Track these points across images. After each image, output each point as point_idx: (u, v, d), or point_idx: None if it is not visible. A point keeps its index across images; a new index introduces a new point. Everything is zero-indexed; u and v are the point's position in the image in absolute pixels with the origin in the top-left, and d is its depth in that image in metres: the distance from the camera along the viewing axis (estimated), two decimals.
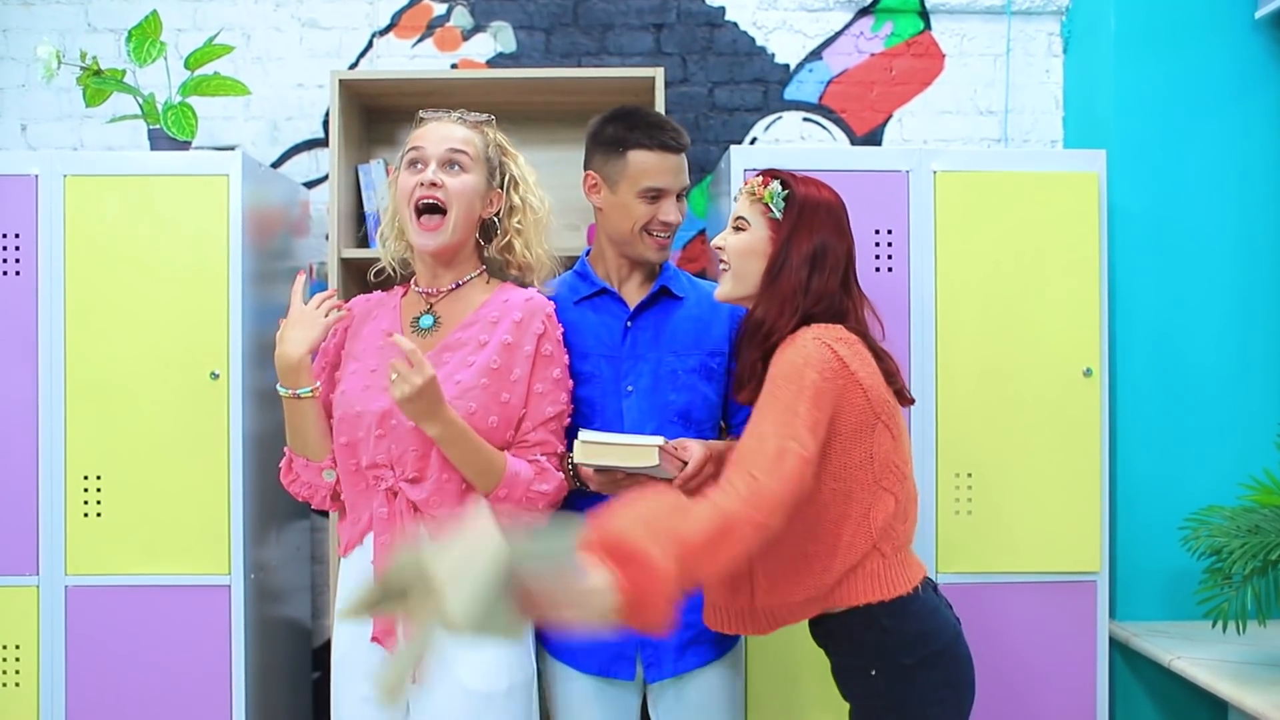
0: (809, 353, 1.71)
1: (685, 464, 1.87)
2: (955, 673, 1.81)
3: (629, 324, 2.07)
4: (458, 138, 1.93)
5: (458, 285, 1.98)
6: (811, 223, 1.82)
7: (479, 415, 1.85)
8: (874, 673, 1.76)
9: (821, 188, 1.88)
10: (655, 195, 2.04)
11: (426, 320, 1.96)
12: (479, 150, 1.95)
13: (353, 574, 1.93)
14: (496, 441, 1.88)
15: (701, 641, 2.02)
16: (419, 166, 1.91)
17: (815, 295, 1.79)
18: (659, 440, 1.81)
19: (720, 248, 1.89)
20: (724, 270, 1.89)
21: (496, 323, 1.92)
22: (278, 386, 1.91)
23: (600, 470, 1.87)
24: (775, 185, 1.85)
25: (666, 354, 2.05)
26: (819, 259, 1.81)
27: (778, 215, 1.83)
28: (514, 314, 1.93)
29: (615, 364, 2.05)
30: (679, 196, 2.08)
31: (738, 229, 1.87)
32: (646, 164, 2.03)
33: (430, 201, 1.90)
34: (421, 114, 2.00)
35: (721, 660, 2.06)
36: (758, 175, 1.89)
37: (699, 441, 1.92)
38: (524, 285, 2.02)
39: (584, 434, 1.83)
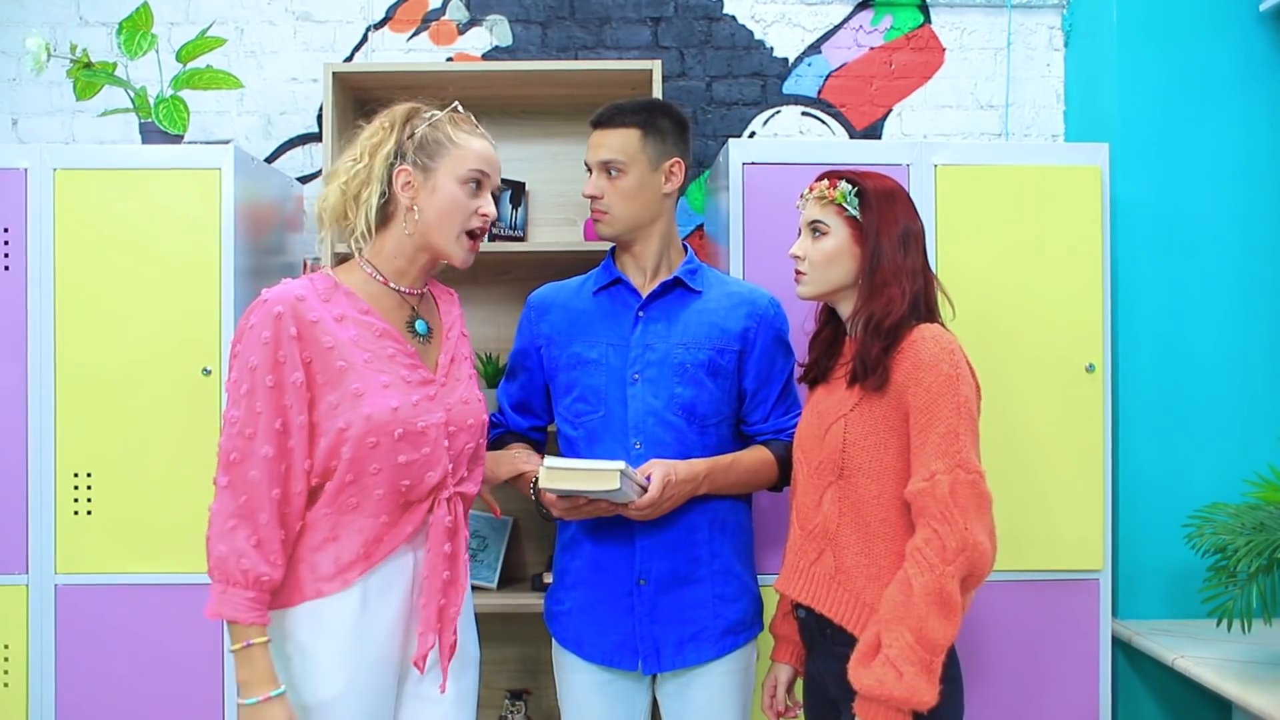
0: (956, 360, 1.77)
1: (646, 489, 1.89)
2: (955, 668, 1.83)
3: (640, 313, 2.06)
4: (499, 169, 1.90)
5: (425, 290, 1.91)
6: (892, 210, 1.86)
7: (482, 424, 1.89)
8: None
9: (883, 177, 1.91)
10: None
11: (422, 326, 1.86)
12: None
13: (378, 598, 1.75)
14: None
15: (703, 639, 2.01)
16: (477, 189, 1.83)
17: (913, 274, 1.84)
18: (620, 465, 1.81)
19: (800, 256, 1.90)
20: (801, 275, 1.90)
21: (463, 337, 1.94)
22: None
23: (563, 496, 1.90)
24: (844, 185, 1.88)
25: (676, 346, 2.04)
26: (907, 241, 1.86)
27: (855, 213, 1.86)
28: (463, 326, 1.95)
29: (623, 352, 2.04)
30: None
31: (818, 233, 1.88)
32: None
33: (484, 230, 1.87)
34: (460, 109, 1.87)
35: (729, 659, 2.04)
36: (819, 180, 1.91)
37: (662, 465, 1.92)
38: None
39: (549, 460, 1.86)
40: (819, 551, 1.85)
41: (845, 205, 1.86)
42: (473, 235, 1.85)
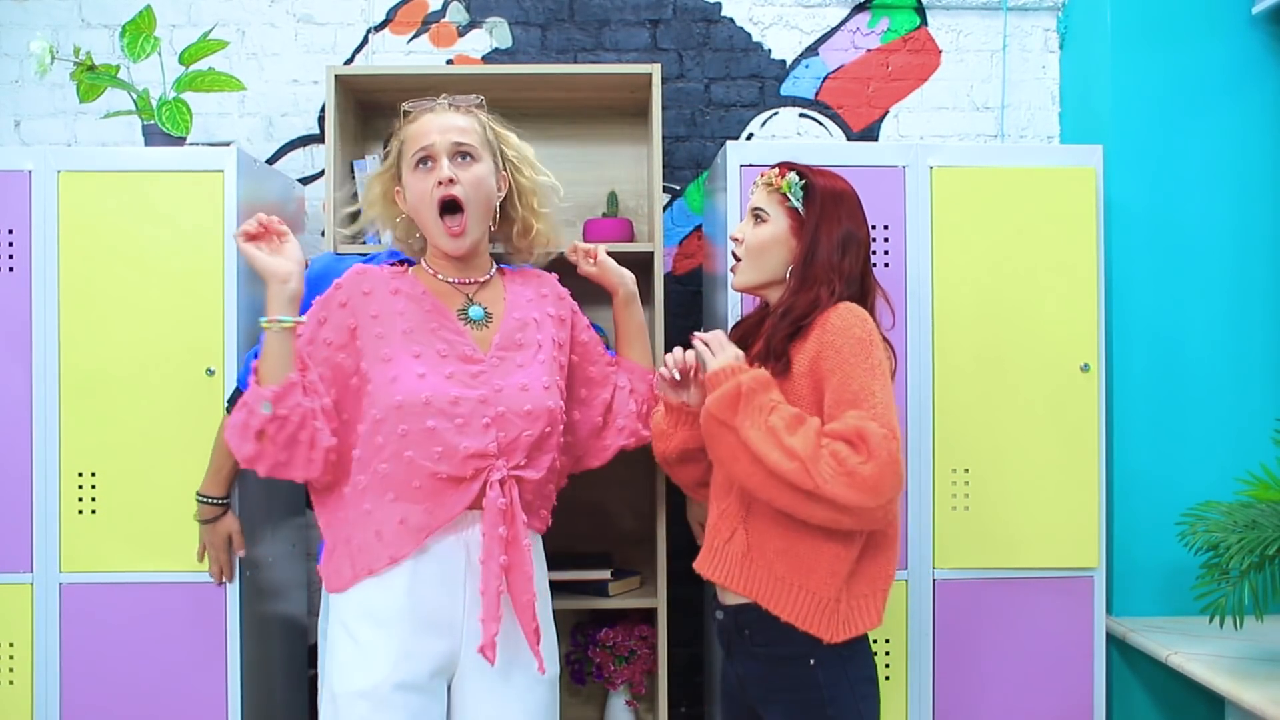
0: (870, 328, 1.76)
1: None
2: (871, 668, 1.84)
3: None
4: (459, 126, 1.90)
5: (490, 277, 1.98)
6: (836, 211, 1.87)
7: (559, 412, 1.89)
8: (813, 662, 1.77)
9: (836, 178, 1.92)
10: None
11: (477, 312, 1.92)
12: (481, 135, 1.93)
13: (435, 576, 1.79)
14: (584, 432, 2.02)
15: None
16: (429, 164, 1.87)
17: (846, 278, 1.84)
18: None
19: (738, 239, 1.92)
20: (738, 261, 1.92)
21: (540, 322, 1.95)
22: (279, 319, 1.75)
23: None
24: (792, 176, 1.89)
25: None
26: (847, 244, 1.86)
27: (797, 205, 1.87)
28: (548, 309, 1.98)
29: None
30: None
31: (758, 220, 1.90)
32: None
33: (451, 198, 1.86)
34: (407, 106, 1.96)
35: None
36: (773, 168, 1.93)
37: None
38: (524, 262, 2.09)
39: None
40: (731, 531, 1.85)
41: (789, 195, 1.87)
42: (445, 212, 1.86)
